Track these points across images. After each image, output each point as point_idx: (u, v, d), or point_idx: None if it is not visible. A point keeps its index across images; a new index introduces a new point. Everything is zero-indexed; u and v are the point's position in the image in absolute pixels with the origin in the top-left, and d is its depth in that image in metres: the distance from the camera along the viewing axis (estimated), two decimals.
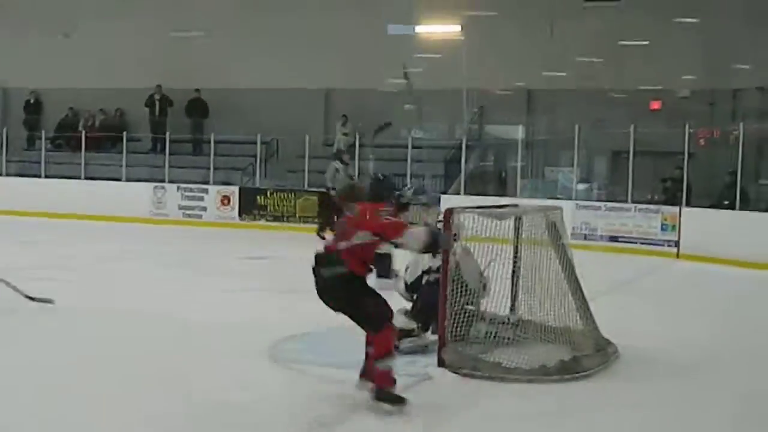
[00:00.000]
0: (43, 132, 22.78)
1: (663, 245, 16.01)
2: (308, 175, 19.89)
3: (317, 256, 6.00)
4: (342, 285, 5.89)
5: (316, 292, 5.99)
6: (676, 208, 16.12)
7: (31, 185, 21.12)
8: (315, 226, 17.28)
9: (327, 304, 6.01)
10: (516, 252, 8.12)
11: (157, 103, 22.58)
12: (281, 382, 6.85)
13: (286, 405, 6.21)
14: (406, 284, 8.07)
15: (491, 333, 7.66)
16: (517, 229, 8.08)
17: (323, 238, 15.13)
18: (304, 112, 21.42)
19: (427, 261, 7.89)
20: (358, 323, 5.99)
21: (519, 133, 19.95)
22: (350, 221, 6.06)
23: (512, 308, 8.17)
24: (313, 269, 6.00)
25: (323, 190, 17.84)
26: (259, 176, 20.79)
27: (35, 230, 17.38)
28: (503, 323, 7.89)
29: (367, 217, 5.98)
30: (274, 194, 19.75)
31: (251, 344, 7.69)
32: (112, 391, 6.34)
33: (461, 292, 7.42)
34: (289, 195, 19.65)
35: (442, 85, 20.00)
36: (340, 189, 5.74)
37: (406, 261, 8.16)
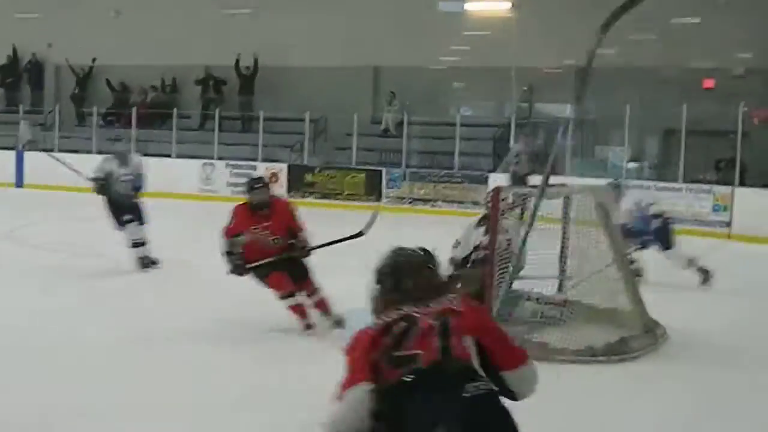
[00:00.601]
0: (95, 108, 23.03)
1: (715, 226, 15.78)
2: (356, 153, 19.91)
3: (437, 366, 3.03)
4: (505, 415, 3.02)
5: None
6: (729, 188, 15.88)
7: (82, 161, 21.29)
8: (361, 204, 17.23)
9: None
10: (564, 231, 8.06)
11: (210, 84, 22.72)
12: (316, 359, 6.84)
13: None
14: (455, 261, 7.99)
15: (538, 312, 7.62)
16: (565, 209, 8.01)
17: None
18: (353, 89, 21.39)
19: (479, 237, 7.84)
20: None
21: (568, 111, 19.72)
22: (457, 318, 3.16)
23: (560, 288, 8.11)
24: (431, 382, 3.01)
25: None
26: (307, 154, 20.82)
27: (87, 206, 17.54)
28: (550, 303, 7.84)
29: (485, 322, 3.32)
30: (323, 172, 19.79)
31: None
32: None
33: (508, 270, 7.41)
34: (338, 173, 19.68)
35: (491, 63, 19.83)
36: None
37: (457, 235, 8.10)
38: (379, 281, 3.33)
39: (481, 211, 8.50)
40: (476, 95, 22.20)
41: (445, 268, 7.63)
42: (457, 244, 8.05)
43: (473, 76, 21.11)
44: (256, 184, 7.73)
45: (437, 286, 3.32)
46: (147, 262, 10.46)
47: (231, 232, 7.58)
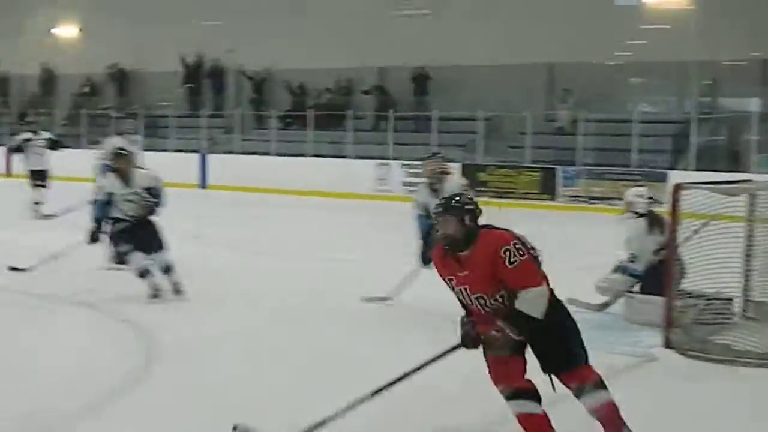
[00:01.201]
0: (273, 111, 23.81)
1: None
2: (530, 151, 19.76)
3: None
4: None
5: None
6: None
7: (262, 163, 22.06)
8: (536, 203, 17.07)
9: None
10: (750, 230, 7.76)
11: (376, 95, 23.03)
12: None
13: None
14: (635, 274, 7.97)
15: (721, 314, 7.37)
16: (750, 206, 7.70)
17: None
18: (526, 87, 21.21)
19: (656, 241, 7.75)
20: None
21: (754, 105, 18.97)
22: None
23: (745, 289, 7.81)
24: None
25: None
26: (480, 152, 20.79)
27: (265, 206, 18.19)
28: (735, 304, 7.57)
29: None
30: (496, 171, 19.73)
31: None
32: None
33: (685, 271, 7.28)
34: (511, 171, 19.58)
35: (671, 57, 19.26)
36: None
37: (629, 250, 8.03)
38: None
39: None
40: (654, 90, 21.63)
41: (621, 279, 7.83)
42: (633, 258, 7.98)
43: (650, 70, 20.57)
44: (435, 209, 4.55)
45: None
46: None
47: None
